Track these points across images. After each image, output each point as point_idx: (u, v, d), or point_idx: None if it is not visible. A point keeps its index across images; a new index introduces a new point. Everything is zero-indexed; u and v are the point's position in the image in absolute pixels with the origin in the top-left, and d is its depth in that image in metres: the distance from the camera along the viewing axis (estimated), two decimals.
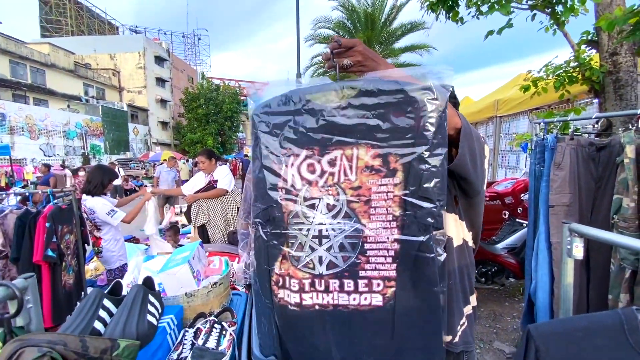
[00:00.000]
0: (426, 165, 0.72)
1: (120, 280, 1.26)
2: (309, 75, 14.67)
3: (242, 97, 34.06)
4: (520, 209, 3.52)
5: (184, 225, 6.04)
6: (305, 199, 0.79)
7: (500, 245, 3.29)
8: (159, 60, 29.86)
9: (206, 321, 1.27)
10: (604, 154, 1.85)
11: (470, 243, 1.04)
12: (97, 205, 2.69)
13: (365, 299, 0.78)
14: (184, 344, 1.19)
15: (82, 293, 2.55)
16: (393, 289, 0.77)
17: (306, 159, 0.79)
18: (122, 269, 2.80)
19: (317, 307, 0.81)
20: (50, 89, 20.28)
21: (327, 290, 0.80)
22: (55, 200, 2.49)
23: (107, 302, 1.11)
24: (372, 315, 0.78)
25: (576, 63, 3.06)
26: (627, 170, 1.60)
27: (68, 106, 21.06)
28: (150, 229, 2.85)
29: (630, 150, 1.60)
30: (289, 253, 0.82)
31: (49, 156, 18.44)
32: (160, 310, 1.19)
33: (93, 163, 19.97)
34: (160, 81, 30.02)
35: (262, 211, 0.83)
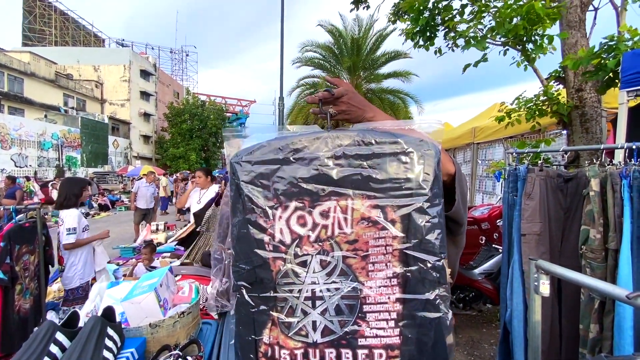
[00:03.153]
0: (427, 216, 0.69)
1: (77, 310, 1.18)
2: (295, 96, 14.89)
3: (228, 114, 34.06)
4: (496, 234, 3.60)
5: (159, 244, 5.82)
6: (296, 256, 0.72)
7: (477, 271, 3.32)
8: (145, 74, 29.66)
9: (170, 355, 1.20)
10: (571, 185, 1.93)
11: (449, 279, 1.04)
12: (67, 216, 2.61)
13: None
14: None
15: (41, 319, 2.37)
16: (397, 359, 0.69)
17: (296, 211, 0.72)
18: (86, 288, 2.65)
19: None
20: (28, 98, 19.66)
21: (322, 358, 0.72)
22: (19, 217, 2.36)
23: (60, 336, 1.03)
24: None
25: (545, 97, 3.24)
26: (592, 203, 1.66)
27: (45, 116, 20.41)
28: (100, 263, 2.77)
29: (595, 184, 1.68)
30: (279, 319, 0.73)
31: (20, 167, 17.63)
32: (119, 344, 1.11)
33: (68, 175, 19.22)
34: (145, 95, 29.70)
35: (247, 272, 0.74)
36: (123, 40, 35.02)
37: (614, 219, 1.59)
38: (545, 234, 1.98)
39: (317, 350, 0.71)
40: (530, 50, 3.22)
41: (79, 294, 2.65)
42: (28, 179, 13.28)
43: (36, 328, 2.22)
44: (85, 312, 1.40)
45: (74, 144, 21.55)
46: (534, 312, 0.83)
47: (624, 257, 1.51)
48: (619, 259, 1.54)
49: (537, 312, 0.83)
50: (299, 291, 0.72)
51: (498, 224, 3.63)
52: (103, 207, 14.12)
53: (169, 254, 5.19)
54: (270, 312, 0.73)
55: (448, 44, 3.79)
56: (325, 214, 0.71)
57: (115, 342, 1.08)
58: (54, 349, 0.99)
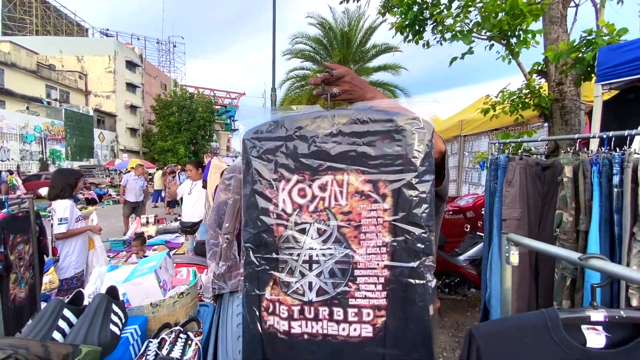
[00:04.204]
0: (415, 191, 0.74)
1: (81, 289, 1.23)
2: (285, 88, 14.83)
3: (217, 107, 33.55)
4: (481, 222, 3.74)
5: (150, 237, 5.82)
6: (296, 224, 0.80)
7: (462, 257, 3.47)
8: (131, 65, 28.96)
9: (171, 331, 1.26)
10: (548, 173, 2.05)
11: None
12: (59, 206, 2.64)
13: (355, 329, 0.77)
14: (147, 354, 1.18)
15: (36, 308, 2.40)
16: (383, 318, 0.76)
17: (297, 184, 0.80)
18: (81, 278, 2.68)
19: (305, 336, 0.80)
20: (8, 90, 19.01)
21: (316, 318, 0.79)
22: (11, 208, 2.36)
23: (67, 312, 1.09)
24: (362, 348, 0.77)
25: (528, 90, 3.37)
26: (565, 188, 1.79)
27: (27, 108, 19.80)
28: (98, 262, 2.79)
29: (568, 170, 1.80)
30: (280, 278, 0.81)
31: (2, 160, 17.14)
32: (123, 320, 1.18)
33: (52, 169, 18.77)
34: (131, 87, 29.03)
35: (254, 236, 0.83)
36: (107, 30, 34.08)
37: (584, 202, 1.71)
38: (525, 219, 2.11)
39: (312, 308, 0.79)
40: (514, 44, 3.34)
41: (74, 284, 2.68)
42: (11, 172, 12.95)
43: (29, 321, 2.26)
44: (88, 294, 1.45)
45: (58, 136, 21.01)
46: (505, 280, 0.93)
47: (592, 238, 1.64)
48: (588, 240, 1.67)
49: (508, 279, 0.93)
50: (298, 255, 0.80)
51: (482, 212, 3.78)
52: (90, 201, 13.87)
53: (159, 247, 5.22)
54: (272, 272, 0.82)
55: (436, 38, 3.88)
56: (323, 187, 0.78)
57: (120, 318, 1.14)
58: (62, 324, 1.05)
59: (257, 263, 0.83)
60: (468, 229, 3.82)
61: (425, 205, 0.73)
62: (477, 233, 3.68)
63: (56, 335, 1.02)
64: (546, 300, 2.03)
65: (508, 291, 0.93)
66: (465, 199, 4.16)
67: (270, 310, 0.82)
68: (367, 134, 0.75)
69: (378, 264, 0.76)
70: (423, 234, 0.74)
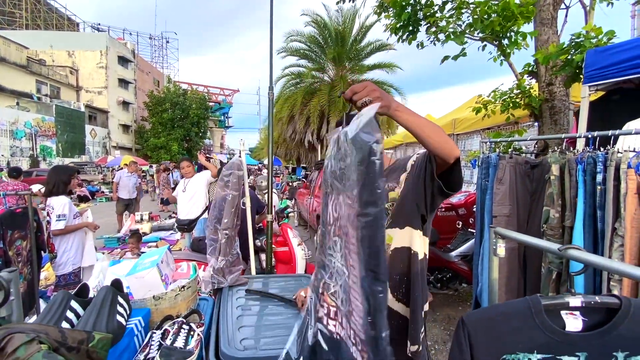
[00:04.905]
0: (355, 231, 0.69)
1: (87, 282, 1.26)
2: (280, 85, 14.81)
3: (211, 103, 33.27)
4: (472, 219, 3.83)
5: (144, 234, 5.81)
6: (333, 234, 0.86)
7: (454, 253, 3.55)
8: (123, 60, 28.57)
9: (174, 322, 1.31)
10: (536, 171, 2.13)
11: (427, 254, 1.18)
12: (57, 203, 2.66)
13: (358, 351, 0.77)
14: (151, 344, 1.22)
15: (35, 304, 2.41)
16: (366, 355, 0.72)
17: (335, 199, 0.86)
18: (78, 274, 2.70)
19: (337, 336, 0.84)
20: None
21: (342, 324, 0.82)
22: (9, 204, 2.37)
23: (74, 304, 1.12)
24: None
25: (518, 90, 3.46)
26: (552, 186, 1.86)
27: (17, 104, 19.45)
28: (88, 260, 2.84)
29: (555, 169, 1.87)
30: (325, 278, 0.89)
31: None
32: (128, 311, 1.22)
33: (43, 166, 18.50)
34: (124, 82, 28.67)
35: (319, 237, 0.96)
36: (99, 24, 33.48)
37: (570, 199, 1.79)
38: (514, 216, 2.19)
39: (341, 315, 0.82)
40: (505, 45, 3.41)
41: (71, 280, 2.70)
42: (0, 169, 12.75)
43: (27, 316, 2.27)
44: (91, 287, 1.48)
45: (49, 133, 20.70)
46: (492, 271, 0.99)
47: (577, 232, 1.72)
48: (573, 235, 1.75)
49: (495, 271, 0.99)
50: (334, 263, 0.85)
51: (474, 209, 3.87)
52: (82, 199, 13.69)
53: (155, 244, 5.22)
54: (322, 270, 0.91)
55: (430, 39, 3.94)
56: (340, 205, 0.84)
57: (125, 309, 1.18)
58: (70, 315, 1.09)
59: (317, 261, 0.94)
60: (460, 226, 3.90)
61: (363, 246, 0.65)
62: (469, 230, 3.77)
63: (65, 325, 1.05)
64: (534, 293, 2.11)
65: (495, 281, 0.99)
66: (457, 196, 4.25)
67: (320, 302, 0.91)
68: (338, 156, 0.79)
69: (357, 298, 0.71)
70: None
